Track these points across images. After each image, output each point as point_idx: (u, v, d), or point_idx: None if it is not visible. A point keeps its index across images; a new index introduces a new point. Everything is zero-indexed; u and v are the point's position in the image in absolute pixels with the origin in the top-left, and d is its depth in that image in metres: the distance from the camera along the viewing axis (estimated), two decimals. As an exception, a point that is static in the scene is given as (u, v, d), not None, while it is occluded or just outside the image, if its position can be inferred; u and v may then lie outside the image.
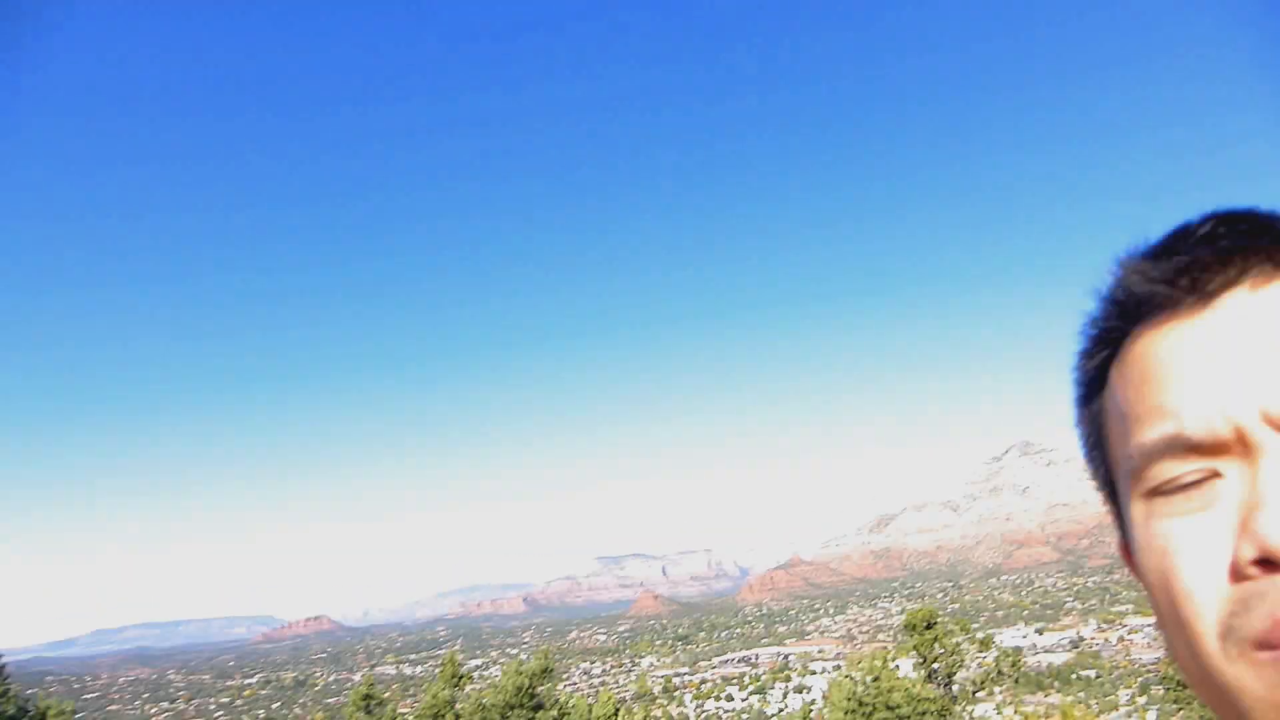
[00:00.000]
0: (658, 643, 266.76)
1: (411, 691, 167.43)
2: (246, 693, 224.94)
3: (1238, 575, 0.60)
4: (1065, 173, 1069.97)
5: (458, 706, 17.05)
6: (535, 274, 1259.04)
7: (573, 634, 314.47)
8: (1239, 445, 0.53)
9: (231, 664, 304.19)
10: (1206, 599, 0.62)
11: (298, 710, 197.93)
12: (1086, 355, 0.66)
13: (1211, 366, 0.53)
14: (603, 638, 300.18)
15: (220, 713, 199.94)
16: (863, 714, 10.91)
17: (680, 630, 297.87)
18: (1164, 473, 0.57)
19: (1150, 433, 0.56)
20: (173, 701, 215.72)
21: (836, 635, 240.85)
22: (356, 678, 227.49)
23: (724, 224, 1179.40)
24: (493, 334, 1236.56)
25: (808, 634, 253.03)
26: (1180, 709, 25.23)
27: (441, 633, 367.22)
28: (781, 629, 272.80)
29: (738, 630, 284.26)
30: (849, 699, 11.10)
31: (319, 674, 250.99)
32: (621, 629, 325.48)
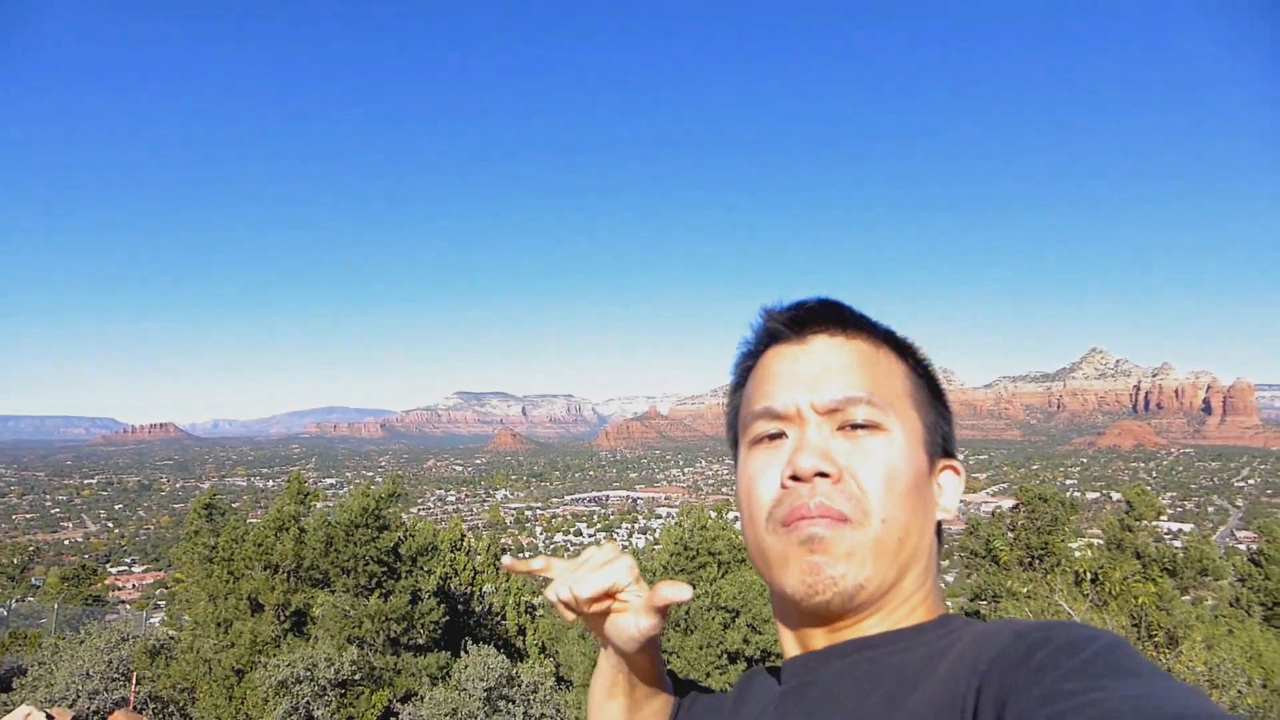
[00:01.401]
0: (513, 477, 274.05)
1: (261, 504, 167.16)
2: (85, 492, 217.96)
3: (781, 486, 0.98)
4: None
5: (303, 521, 17.25)
6: (412, 93, 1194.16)
7: (430, 462, 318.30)
8: (798, 418, 0.95)
9: (69, 464, 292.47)
10: (765, 499, 0.98)
11: (141, 513, 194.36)
12: (739, 363, 1.14)
13: (794, 375, 0.97)
14: (459, 468, 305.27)
15: (57, 510, 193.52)
16: (686, 557, 11.82)
17: (536, 468, 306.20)
18: (759, 429, 0.97)
19: (758, 405, 0.98)
20: (3, 496, 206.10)
21: (683, 485, 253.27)
22: (205, 486, 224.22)
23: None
24: (374, 147, 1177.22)
25: (657, 481, 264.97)
26: (972, 573, 28.63)
27: (295, 450, 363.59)
28: (633, 475, 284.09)
29: (591, 472, 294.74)
30: (676, 542, 11.98)
31: (164, 480, 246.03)
32: (478, 462, 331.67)
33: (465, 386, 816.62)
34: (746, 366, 1.10)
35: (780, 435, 0.97)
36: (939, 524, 1.06)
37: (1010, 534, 30.64)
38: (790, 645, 1.03)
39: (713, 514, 16.77)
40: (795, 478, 0.93)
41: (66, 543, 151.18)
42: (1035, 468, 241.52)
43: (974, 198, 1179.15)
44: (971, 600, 27.95)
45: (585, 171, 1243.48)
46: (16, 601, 32.06)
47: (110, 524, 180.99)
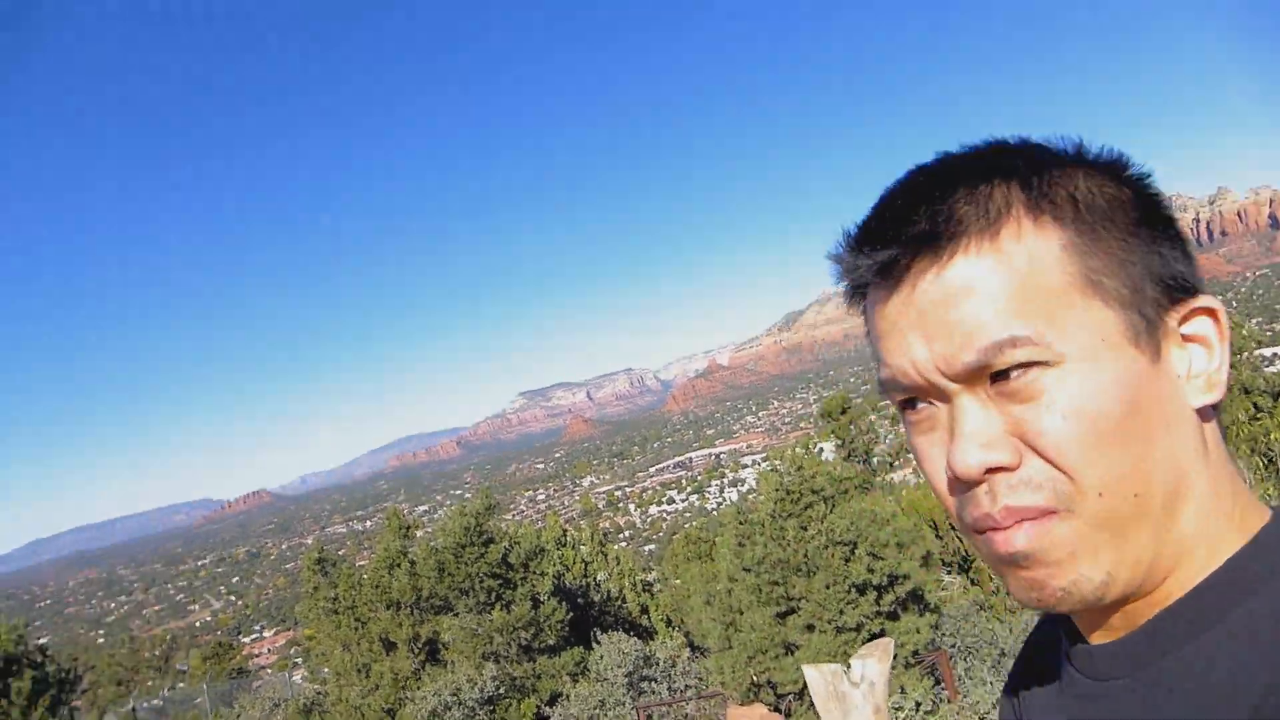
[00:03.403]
0: (595, 462, 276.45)
1: (365, 546, 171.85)
2: (202, 572, 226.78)
3: (952, 486, 0.72)
4: None
5: (410, 554, 17.59)
6: (448, 125, 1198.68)
7: (511, 468, 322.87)
8: (932, 391, 0.64)
9: (179, 550, 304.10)
10: (941, 492, 0.71)
11: (258, 580, 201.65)
12: (849, 303, 0.78)
13: (901, 336, 0.65)
14: (541, 466, 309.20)
15: (181, 595, 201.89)
16: (790, 500, 11.69)
17: (614, 448, 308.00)
18: (894, 399, 0.69)
19: (880, 372, 0.68)
20: (129, 594, 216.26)
21: (761, 430, 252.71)
22: (308, 541, 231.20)
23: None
24: (392, 180, 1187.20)
25: (734, 433, 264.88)
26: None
27: (383, 487, 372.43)
28: (710, 432, 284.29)
29: (669, 440, 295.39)
30: (777, 489, 11.84)
31: (270, 545, 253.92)
32: (558, 455, 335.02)
33: (527, 385, 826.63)
34: (856, 307, 0.78)
35: (930, 405, 0.68)
36: (1210, 406, 0.69)
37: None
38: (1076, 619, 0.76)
39: (802, 451, 16.60)
40: (960, 480, 0.67)
41: (198, 624, 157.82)
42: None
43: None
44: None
45: (599, 138, 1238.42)
46: (169, 690, 33.46)
47: (232, 598, 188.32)
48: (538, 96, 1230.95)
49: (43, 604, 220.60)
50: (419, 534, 19.36)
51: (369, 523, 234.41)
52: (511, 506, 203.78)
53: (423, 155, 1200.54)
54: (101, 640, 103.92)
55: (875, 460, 25.11)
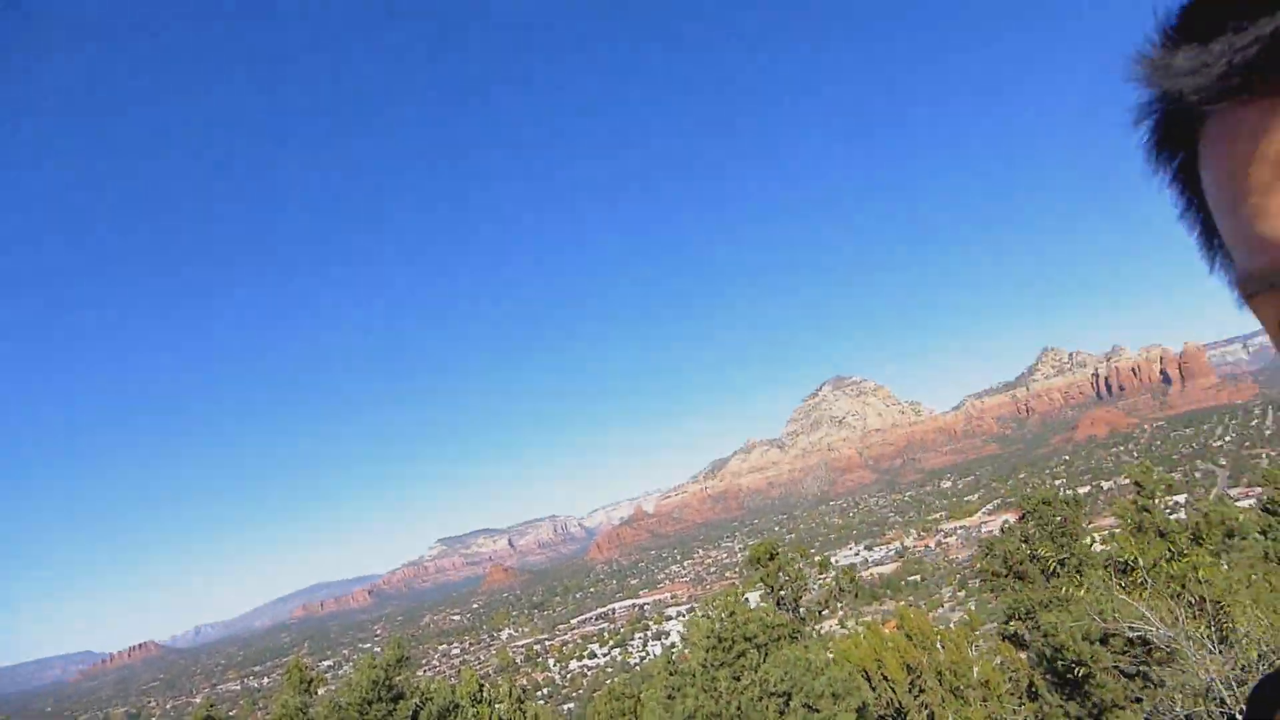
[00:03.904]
0: (514, 614, 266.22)
1: (262, 705, 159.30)
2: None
3: None
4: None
5: (311, 711, 16.25)
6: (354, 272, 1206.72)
7: (425, 619, 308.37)
8: None
9: (49, 709, 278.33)
10: None
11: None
12: (1154, 160, 0.53)
13: None
14: (457, 618, 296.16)
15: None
16: (723, 648, 11.18)
17: (535, 598, 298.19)
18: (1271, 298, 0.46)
19: (1249, 260, 0.46)
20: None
21: (686, 580, 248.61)
22: (197, 700, 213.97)
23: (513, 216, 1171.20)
24: (310, 325, 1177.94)
25: (659, 583, 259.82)
26: (996, 595, 27.94)
27: (285, 639, 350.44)
28: (634, 582, 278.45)
29: (591, 590, 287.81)
30: (708, 636, 11.34)
31: (153, 704, 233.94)
32: (475, 606, 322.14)
33: (446, 532, 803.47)
34: (1167, 161, 0.50)
35: None
36: None
37: (1024, 545, 30.25)
38: None
39: (732, 599, 16.15)
40: None
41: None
42: (1022, 476, 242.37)
43: (908, 231, 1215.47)
44: (1006, 623, 27.29)
45: (528, 288, 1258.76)
46: None
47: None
48: (465, 245, 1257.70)
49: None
50: (321, 690, 17.99)
51: (267, 679, 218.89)
52: (425, 660, 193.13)
53: (350, 299, 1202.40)
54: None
55: (803, 609, 24.61)
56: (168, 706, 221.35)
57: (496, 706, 23.20)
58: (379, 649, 19.09)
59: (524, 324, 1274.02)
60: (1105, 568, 18.83)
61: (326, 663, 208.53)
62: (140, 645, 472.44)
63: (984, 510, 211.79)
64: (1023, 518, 32.45)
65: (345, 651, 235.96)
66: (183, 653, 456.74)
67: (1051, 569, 25.57)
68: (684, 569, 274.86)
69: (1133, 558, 14.28)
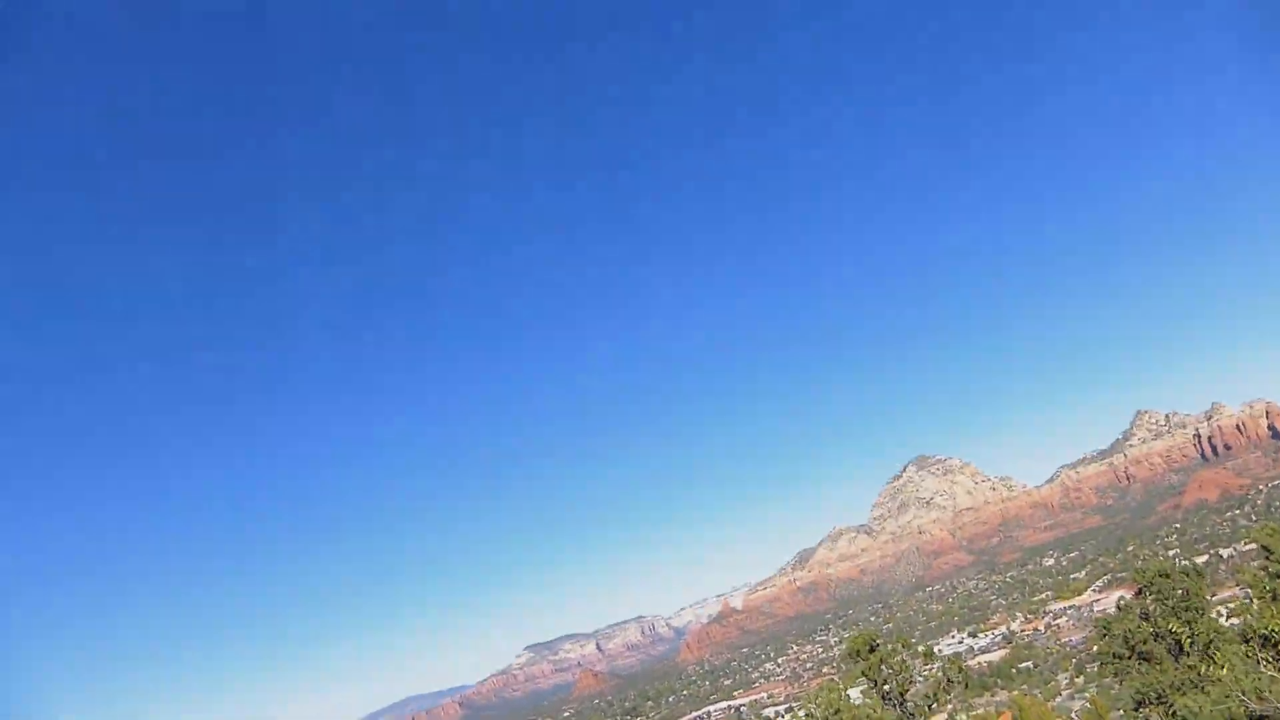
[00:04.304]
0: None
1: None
2: None
3: None
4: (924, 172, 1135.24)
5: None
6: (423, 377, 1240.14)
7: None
8: None
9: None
10: None
11: None
12: None
13: None
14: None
15: None
16: (829, 752, 10.40)
17: (626, 704, 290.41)
18: None
19: None
20: None
21: (782, 678, 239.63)
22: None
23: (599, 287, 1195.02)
24: (394, 434, 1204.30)
25: (754, 682, 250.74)
26: (1121, 679, 25.70)
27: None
28: (727, 682, 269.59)
29: (684, 692, 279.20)
30: (812, 740, 10.58)
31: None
32: (566, 715, 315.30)
33: (533, 638, 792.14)
34: None
35: None
36: None
37: (1145, 623, 28.02)
38: None
39: (834, 695, 15.18)
40: None
41: None
42: (1131, 548, 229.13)
43: (982, 295, 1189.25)
44: (1136, 709, 25.05)
45: (598, 374, 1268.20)
46: None
47: None
48: (541, 342, 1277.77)
49: None
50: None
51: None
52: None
53: (423, 410, 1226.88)
54: None
55: (910, 703, 23.11)
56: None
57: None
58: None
59: (598, 422, 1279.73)
60: (1246, 642, 17.13)
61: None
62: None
63: (1093, 587, 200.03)
64: (1139, 593, 30.19)
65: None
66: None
67: (1182, 647, 23.47)
68: (778, 666, 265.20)
69: (1275, 629, 12.95)
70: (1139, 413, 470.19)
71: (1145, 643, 25.00)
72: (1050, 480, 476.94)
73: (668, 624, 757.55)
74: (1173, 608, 24.90)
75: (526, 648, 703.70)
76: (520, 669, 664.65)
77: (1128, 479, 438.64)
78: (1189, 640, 20.87)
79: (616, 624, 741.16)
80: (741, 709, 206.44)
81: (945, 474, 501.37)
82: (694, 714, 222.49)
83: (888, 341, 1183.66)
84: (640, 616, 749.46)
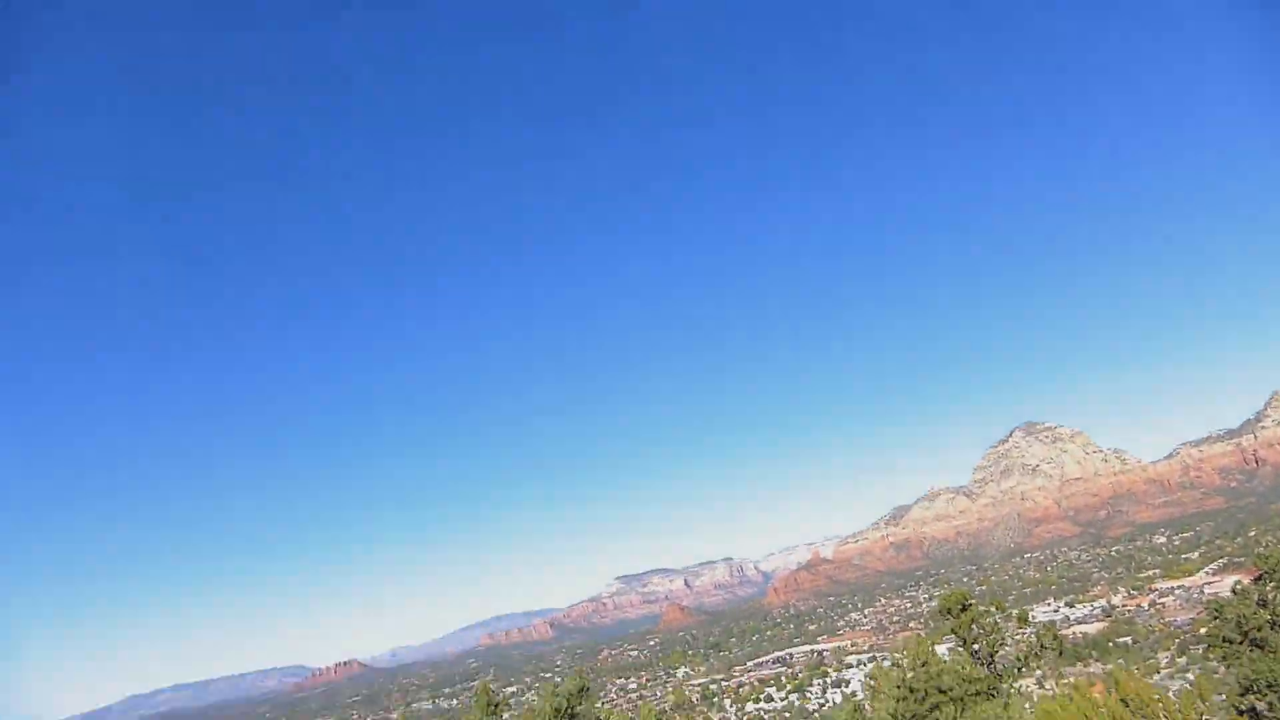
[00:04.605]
0: (690, 653, 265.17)
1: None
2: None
3: None
4: (1053, 157, 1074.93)
5: (498, 734, 16.79)
6: (543, 300, 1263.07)
7: (604, 653, 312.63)
8: None
9: (268, 716, 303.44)
10: None
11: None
12: None
13: None
14: (634, 654, 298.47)
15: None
16: (914, 699, 10.62)
17: (711, 639, 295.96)
18: None
19: None
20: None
21: (867, 628, 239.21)
22: (394, 717, 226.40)
23: (719, 228, 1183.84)
24: (498, 364, 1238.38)
25: (839, 630, 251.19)
26: (1228, 664, 24.68)
27: (473, 665, 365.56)
28: (812, 627, 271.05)
29: (768, 633, 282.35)
30: (899, 686, 10.80)
31: (355, 717, 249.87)
32: (652, 643, 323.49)
33: (624, 570, 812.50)
34: None
35: None
36: None
37: (1263, 609, 26.72)
38: None
39: (924, 648, 15.33)
40: None
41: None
42: (1253, 534, 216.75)
43: (1108, 260, 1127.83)
44: (1242, 695, 24.11)
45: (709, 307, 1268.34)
46: None
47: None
48: (649, 271, 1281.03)
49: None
50: (506, 715, 18.50)
51: (455, 700, 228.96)
52: (602, 693, 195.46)
53: (530, 347, 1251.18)
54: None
55: (999, 665, 22.92)
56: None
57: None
58: (560, 679, 19.51)
59: (698, 361, 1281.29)
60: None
61: (510, 689, 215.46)
62: (345, 663, 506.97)
63: (1207, 570, 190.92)
64: (1259, 579, 28.75)
65: (528, 679, 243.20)
66: (381, 672, 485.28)
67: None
68: (864, 617, 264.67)
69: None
70: (1276, 393, 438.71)
71: (1260, 629, 24.03)
72: (1169, 457, 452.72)
73: (756, 567, 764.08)
74: (1294, 596, 23.66)
75: (617, 578, 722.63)
76: (609, 598, 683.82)
77: (1256, 462, 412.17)
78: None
79: (705, 563, 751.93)
80: (824, 653, 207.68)
81: (1054, 442, 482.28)
82: (776, 654, 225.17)
83: (1003, 302, 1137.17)
84: (729, 558, 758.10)
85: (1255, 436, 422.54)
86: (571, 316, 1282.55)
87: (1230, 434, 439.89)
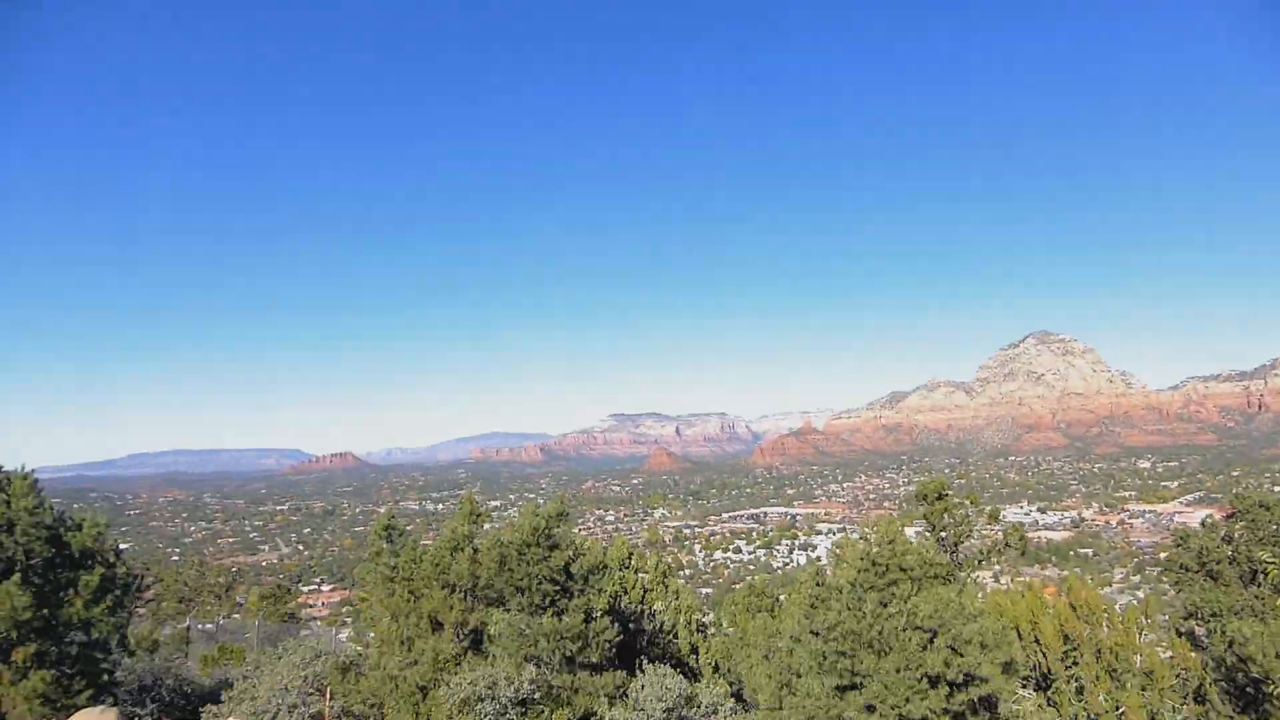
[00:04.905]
0: (669, 497, 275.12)
1: (433, 526, 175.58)
2: (278, 518, 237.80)
3: None
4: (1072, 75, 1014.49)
5: (476, 542, 17.57)
6: (548, 135, 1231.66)
7: (588, 484, 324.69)
8: None
9: (263, 491, 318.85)
10: None
11: (327, 536, 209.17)
12: None
13: None
14: (617, 489, 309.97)
15: (255, 534, 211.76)
16: (875, 572, 11.02)
17: (692, 487, 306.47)
18: None
19: None
20: (209, 521, 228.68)
21: (843, 501, 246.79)
22: (381, 510, 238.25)
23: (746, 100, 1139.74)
24: (514, 188, 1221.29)
25: (815, 498, 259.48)
26: (1179, 589, 25.73)
27: (462, 475, 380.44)
28: (790, 492, 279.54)
29: (748, 490, 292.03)
30: (863, 558, 11.19)
31: (346, 505, 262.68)
32: (635, 482, 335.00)
33: (619, 409, 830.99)
34: None
35: None
36: None
37: (1226, 545, 27.55)
38: None
39: (894, 527, 15.80)
40: None
41: (264, 564, 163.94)
42: (1236, 474, 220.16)
43: (1146, 184, 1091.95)
44: (1185, 619, 25.28)
45: (722, 170, 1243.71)
46: (224, 618, 34.62)
47: (300, 547, 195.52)
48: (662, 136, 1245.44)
49: (131, 513, 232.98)
50: (487, 525, 19.36)
51: (441, 505, 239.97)
52: (580, 520, 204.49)
53: (552, 185, 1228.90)
54: (175, 558, 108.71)
55: (962, 554, 23.79)
56: (357, 510, 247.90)
57: (641, 575, 24.31)
58: (543, 501, 20.31)
59: (710, 225, 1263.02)
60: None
61: (495, 503, 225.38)
62: (341, 454, 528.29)
63: (1182, 500, 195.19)
64: (1231, 516, 29.44)
65: (512, 496, 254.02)
66: (374, 468, 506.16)
67: (1249, 576, 23.16)
68: (843, 490, 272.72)
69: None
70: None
71: (1219, 563, 24.71)
72: (1174, 387, 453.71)
73: (748, 426, 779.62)
74: (1261, 539, 24.23)
75: (611, 415, 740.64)
76: (601, 433, 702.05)
77: (1260, 406, 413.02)
78: (1271, 572, 20.49)
79: (699, 414, 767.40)
80: (798, 517, 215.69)
81: (1065, 354, 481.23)
82: (752, 510, 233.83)
83: (1033, 207, 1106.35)
84: (723, 414, 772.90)
85: (1266, 382, 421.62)
86: (601, 135, 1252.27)
87: (1241, 375, 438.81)
